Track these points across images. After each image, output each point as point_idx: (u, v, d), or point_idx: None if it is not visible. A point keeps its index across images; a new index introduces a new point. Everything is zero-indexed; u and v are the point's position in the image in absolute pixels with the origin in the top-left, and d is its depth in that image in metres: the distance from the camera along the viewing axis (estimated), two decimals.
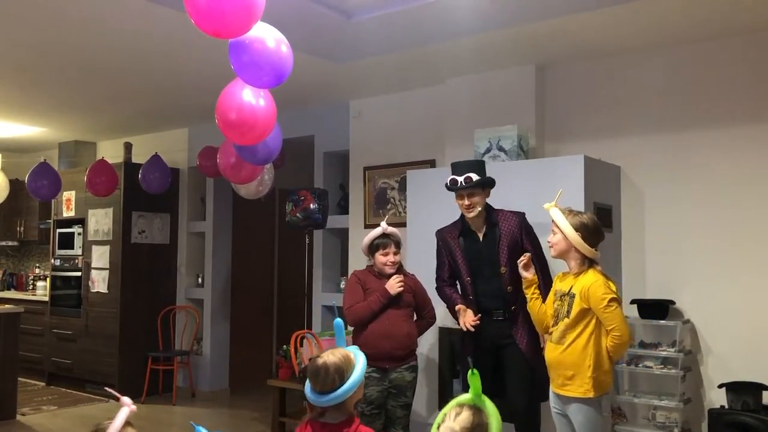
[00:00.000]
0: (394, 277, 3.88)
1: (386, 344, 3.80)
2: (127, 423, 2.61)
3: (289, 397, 5.31)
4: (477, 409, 1.91)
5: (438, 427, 1.95)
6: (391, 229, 4.01)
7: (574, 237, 3.11)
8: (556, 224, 3.18)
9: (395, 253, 3.96)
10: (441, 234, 3.90)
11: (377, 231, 4.00)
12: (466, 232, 3.77)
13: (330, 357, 2.35)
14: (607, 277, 3.14)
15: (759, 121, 4.08)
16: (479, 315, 3.65)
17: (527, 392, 3.61)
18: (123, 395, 2.28)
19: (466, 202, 3.65)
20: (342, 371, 2.32)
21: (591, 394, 3.05)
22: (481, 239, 3.72)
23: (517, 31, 4.19)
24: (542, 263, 3.64)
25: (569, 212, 3.19)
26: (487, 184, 3.70)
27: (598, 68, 4.66)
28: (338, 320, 2.63)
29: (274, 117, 3.26)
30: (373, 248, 3.98)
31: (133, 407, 2.65)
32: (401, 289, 3.86)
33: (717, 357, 4.16)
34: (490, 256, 3.68)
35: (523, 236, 3.66)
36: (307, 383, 2.37)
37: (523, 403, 3.61)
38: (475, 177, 3.63)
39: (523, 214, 3.74)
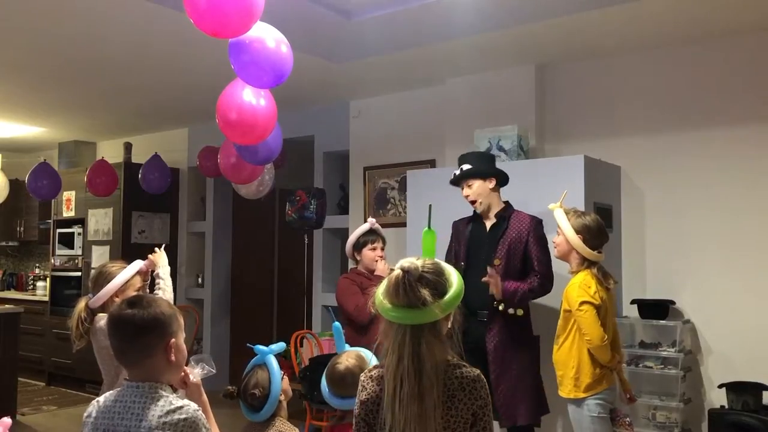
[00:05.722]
0: None
1: None
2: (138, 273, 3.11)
3: None
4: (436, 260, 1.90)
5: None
6: (377, 226, 4.10)
7: (575, 239, 3.11)
8: (559, 226, 3.19)
9: (382, 249, 4.02)
10: (455, 223, 3.85)
11: (364, 227, 4.08)
12: (476, 220, 3.72)
13: (350, 361, 2.43)
14: (605, 277, 3.12)
15: (759, 121, 4.08)
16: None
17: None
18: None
19: (465, 193, 3.61)
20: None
21: (573, 395, 3.09)
22: (487, 229, 3.66)
23: (517, 31, 4.18)
24: (543, 272, 3.51)
25: (574, 213, 3.19)
26: (485, 173, 3.59)
27: (598, 68, 4.66)
28: (337, 324, 2.64)
29: (274, 117, 3.26)
30: (359, 244, 4.01)
31: (146, 262, 3.17)
32: None
33: (717, 357, 4.16)
34: (489, 246, 3.59)
35: (530, 239, 3.52)
36: (326, 389, 2.45)
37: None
38: (467, 167, 3.58)
39: (540, 220, 3.60)
